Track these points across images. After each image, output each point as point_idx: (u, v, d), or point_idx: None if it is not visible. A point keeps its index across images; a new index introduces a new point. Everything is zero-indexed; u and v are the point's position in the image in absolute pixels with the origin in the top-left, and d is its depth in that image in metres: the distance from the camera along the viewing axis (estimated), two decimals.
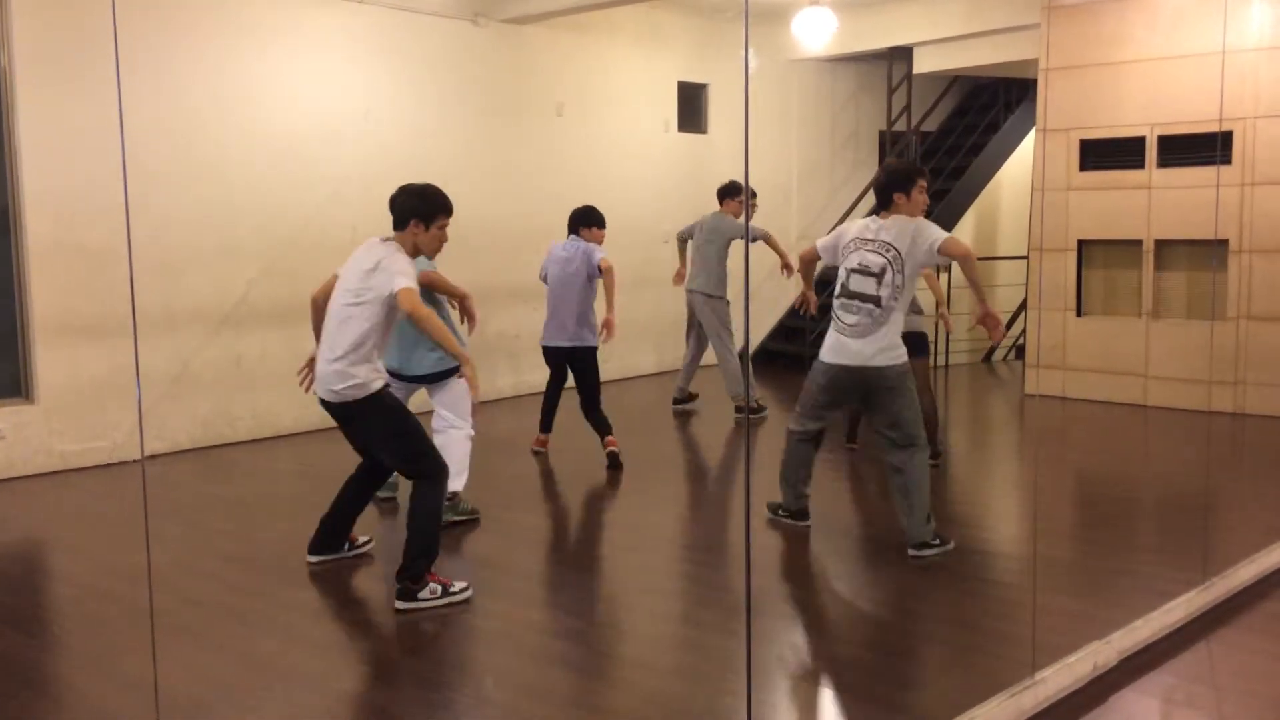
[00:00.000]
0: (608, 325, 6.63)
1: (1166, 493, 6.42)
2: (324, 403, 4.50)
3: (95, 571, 5.00)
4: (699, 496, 6.61)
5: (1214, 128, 8.12)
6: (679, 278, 8.48)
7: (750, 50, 10.22)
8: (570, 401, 6.96)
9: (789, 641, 4.12)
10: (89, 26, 6.54)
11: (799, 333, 10.92)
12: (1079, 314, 9.08)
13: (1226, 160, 8.17)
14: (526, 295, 8.58)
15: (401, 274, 4.26)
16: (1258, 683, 3.77)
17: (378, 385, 4.42)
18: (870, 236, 4.98)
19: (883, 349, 4.88)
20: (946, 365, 10.84)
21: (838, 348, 5.01)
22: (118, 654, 3.98)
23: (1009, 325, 11.57)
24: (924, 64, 11.15)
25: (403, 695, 3.66)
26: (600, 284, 6.74)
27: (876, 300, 4.88)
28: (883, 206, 5.09)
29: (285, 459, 7.29)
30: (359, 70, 8.18)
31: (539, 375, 7.30)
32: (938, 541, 4.97)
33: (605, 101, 10.01)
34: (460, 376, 5.44)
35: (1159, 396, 8.61)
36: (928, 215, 5.10)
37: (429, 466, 4.43)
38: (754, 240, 8.11)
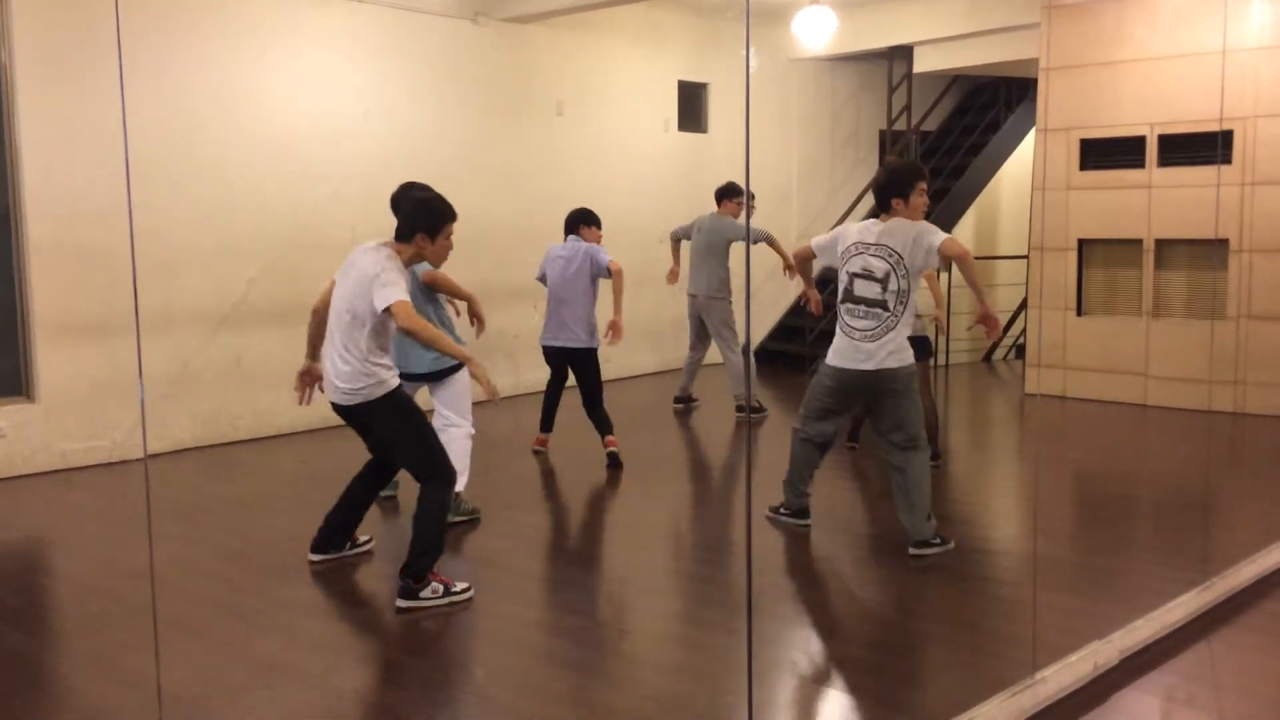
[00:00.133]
0: (614, 327, 6.62)
1: (1167, 492, 6.42)
2: (339, 407, 4.48)
3: (96, 570, 5.00)
4: (699, 496, 6.61)
5: (1214, 127, 8.12)
6: (673, 276, 8.47)
7: (751, 49, 10.22)
8: (570, 401, 6.96)
9: (790, 640, 4.12)
10: (90, 26, 6.54)
11: (799, 332, 10.92)
12: (1079, 313, 9.08)
13: (1227, 160, 8.17)
14: (526, 294, 8.58)
15: (394, 287, 4.19)
16: (1258, 682, 3.77)
17: (395, 381, 4.43)
18: (871, 240, 4.97)
19: (891, 351, 4.88)
20: (947, 365, 10.84)
21: (847, 352, 5.00)
22: (119, 652, 3.98)
23: (1009, 325, 11.57)
24: (924, 63, 11.15)
25: (404, 694, 3.66)
26: (602, 284, 6.75)
27: (883, 304, 4.88)
28: (882, 209, 5.08)
29: (286, 458, 7.29)
30: (359, 69, 8.18)
31: (539, 375, 7.31)
32: (938, 541, 4.98)
33: (605, 101, 10.01)
34: (457, 374, 5.46)
35: (1159, 396, 8.61)
36: (927, 216, 5.10)
37: (440, 469, 4.44)
38: (756, 242, 8.10)
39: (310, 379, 4.74)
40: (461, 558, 5.05)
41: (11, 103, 6.52)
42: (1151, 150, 8.54)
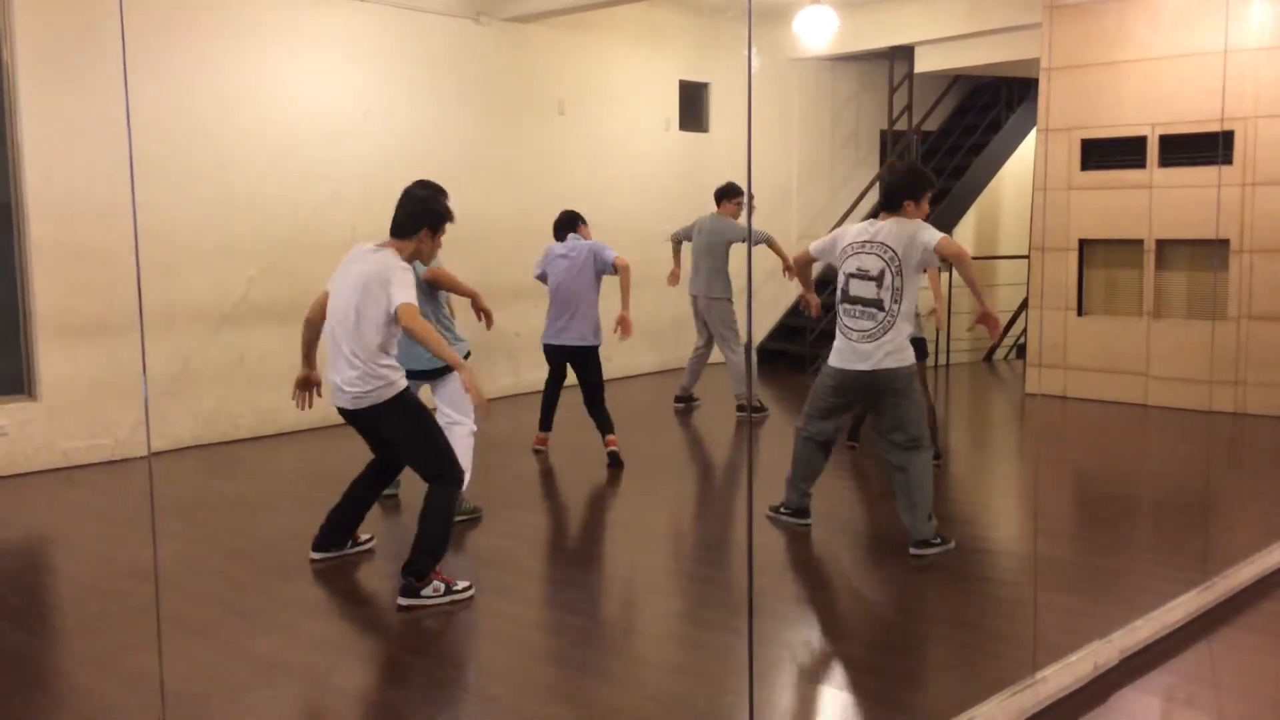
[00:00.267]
0: (624, 323, 6.62)
1: (1167, 492, 6.43)
2: (346, 412, 4.48)
3: (97, 569, 5.00)
4: (700, 495, 6.62)
5: (1215, 127, 8.12)
6: (673, 278, 8.47)
7: (752, 49, 10.23)
8: (570, 400, 6.97)
9: (791, 640, 4.13)
10: (91, 25, 6.55)
11: (799, 332, 10.92)
12: (1080, 313, 9.09)
13: (1228, 160, 8.17)
14: (527, 294, 8.58)
15: (406, 288, 4.24)
16: (1258, 682, 3.77)
17: (403, 382, 4.44)
18: (868, 239, 4.99)
19: (890, 352, 4.89)
20: (948, 365, 10.85)
21: (845, 353, 5.02)
22: (120, 651, 3.98)
23: (1010, 324, 11.58)
24: (925, 63, 11.15)
25: (405, 692, 3.67)
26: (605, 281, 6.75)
27: (879, 304, 4.90)
28: (889, 207, 5.08)
29: (287, 456, 7.30)
30: (360, 69, 8.18)
31: (538, 374, 7.31)
32: (939, 540, 4.98)
33: (606, 100, 10.01)
34: (465, 362, 5.47)
35: (1160, 396, 8.62)
36: (927, 217, 5.11)
37: (447, 468, 4.45)
38: (757, 243, 8.10)
39: (308, 386, 4.75)
40: (462, 556, 5.06)
41: (13, 102, 6.53)
42: (1152, 150, 8.54)
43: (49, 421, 6.73)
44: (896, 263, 4.88)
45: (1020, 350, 11.80)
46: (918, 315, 5.80)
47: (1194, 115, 8.25)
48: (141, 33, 6.86)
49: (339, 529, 4.92)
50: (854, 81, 11.90)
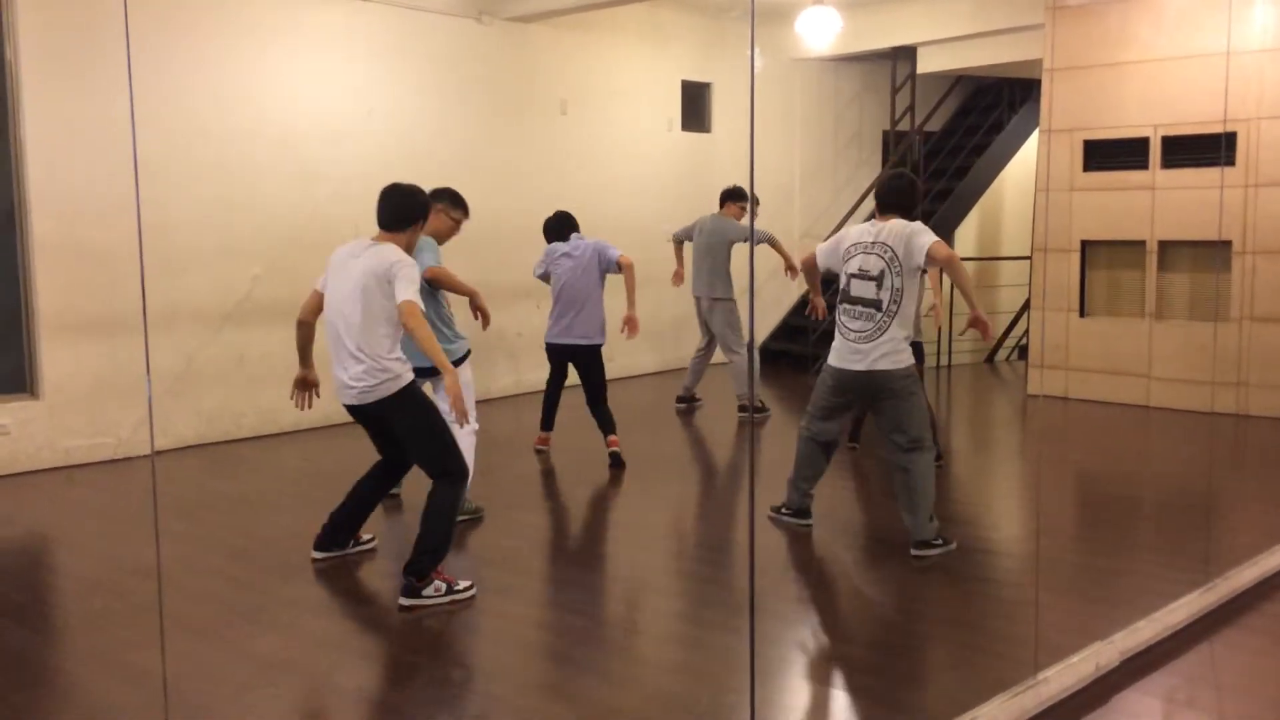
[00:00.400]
0: (630, 322, 6.61)
1: (1169, 493, 6.42)
2: (354, 409, 4.48)
3: (99, 567, 5.01)
4: (701, 496, 6.62)
5: (1218, 129, 8.12)
6: (677, 278, 8.47)
7: (755, 49, 10.23)
8: (570, 400, 6.97)
9: (792, 640, 4.13)
10: (94, 24, 6.55)
11: (802, 332, 10.91)
12: (1082, 314, 9.08)
13: (1230, 161, 8.17)
14: (528, 293, 8.59)
15: (410, 283, 4.25)
16: (1260, 683, 3.77)
17: (409, 375, 4.44)
18: (871, 239, 5.02)
19: (885, 353, 4.90)
20: (949, 365, 10.85)
21: (843, 352, 5.03)
22: (122, 649, 3.99)
23: (1012, 325, 11.58)
24: (928, 64, 11.15)
25: (407, 692, 3.67)
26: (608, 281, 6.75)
27: (877, 304, 4.91)
28: (884, 213, 5.11)
29: (289, 455, 7.31)
30: (362, 68, 8.18)
31: (539, 374, 7.31)
32: (940, 541, 4.98)
33: (609, 100, 10.01)
34: (458, 369, 5.47)
35: (1162, 397, 8.61)
36: (927, 218, 5.14)
37: (453, 465, 4.45)
38: (758, 243, 8.10)
39: (307, 386, 4.75)
40: (464, 556, 5.06)
41: (16, 100, 6.54)
42: (1155, 152, 8.53)
43: (51, 420, 6.74)
44: (897, 264, 4.89)
45: (1022, 351, 11.79)
46: (918, 315, 5.80)
47: (1197, 117, 8.24)
48: (143, 32, 6.86)
49: (341, 529, 4.92)
50: (857, 82, 11.89)
